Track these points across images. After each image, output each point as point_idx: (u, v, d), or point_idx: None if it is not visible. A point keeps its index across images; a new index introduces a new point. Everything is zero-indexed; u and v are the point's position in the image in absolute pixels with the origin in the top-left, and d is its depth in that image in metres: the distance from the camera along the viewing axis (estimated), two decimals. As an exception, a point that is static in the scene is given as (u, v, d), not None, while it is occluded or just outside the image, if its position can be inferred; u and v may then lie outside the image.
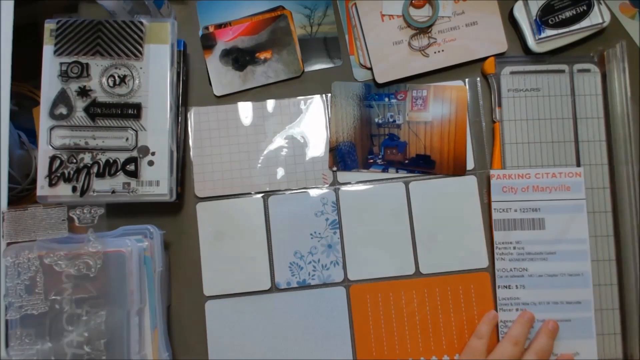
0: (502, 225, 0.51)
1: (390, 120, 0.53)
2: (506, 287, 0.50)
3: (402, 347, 0.51)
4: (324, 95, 0.54)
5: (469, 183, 0.53)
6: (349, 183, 0.53)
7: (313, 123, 0.54)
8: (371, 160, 0.53)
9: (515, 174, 0.51)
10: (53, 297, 0.45)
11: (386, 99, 0.54)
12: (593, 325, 0.49)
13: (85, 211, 0.47)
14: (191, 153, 0.54)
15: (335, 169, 0.53)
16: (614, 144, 0.51)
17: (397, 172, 0.53)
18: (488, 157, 0.53)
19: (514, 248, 0.51)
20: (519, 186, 0.51)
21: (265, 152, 0.54)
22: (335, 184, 0.53)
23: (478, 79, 0.54)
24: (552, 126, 0.52)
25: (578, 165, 0.51)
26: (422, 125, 0.53)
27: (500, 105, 0.52)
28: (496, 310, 0.50)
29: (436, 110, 0.53)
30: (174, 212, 0.53)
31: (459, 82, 0.54)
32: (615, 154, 0.51)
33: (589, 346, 0.49)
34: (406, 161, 0.53)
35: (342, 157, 0.53)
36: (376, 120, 0.53)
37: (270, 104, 0.54)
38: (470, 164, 0.53)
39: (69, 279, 0.45)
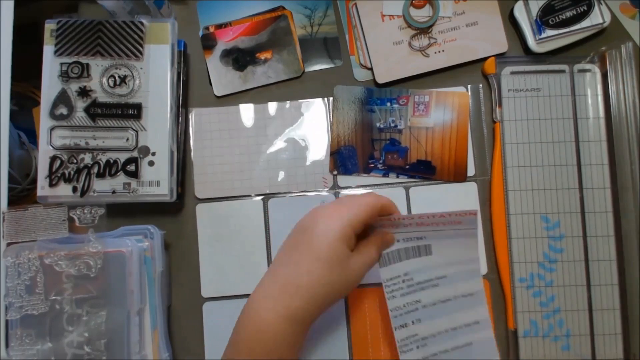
0: (387, 261, 0.45)
1: (392, 125, 0.53)
2: (403, 327, 0.44)
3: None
4: (325, 98, 0.54)
5: (469, 189, 0.53)
6: (350, 187, 0.53)
7: (314, 126, 0.54)
8: (372, 165, 0.53)
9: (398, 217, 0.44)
10: (53, 297, 0.45)
11: (388, 104, 0.53)
12: (494, 345, 0.46)
13: (85, 211, 0.47)
14: (192, 154, 0.54)
15: (335, 172, 0.53)
16: (617, 143, 0.51)
17: (397, 177, 0.53)
18: (489, 163, 0.53)
19: (403, 281, 0.45)
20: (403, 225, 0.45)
21: (265, 154, 0.53)
22: (335, 187, 0.53)
23: (480, 85, 0.54)
24: (552, 126, 0.52)
25: (578, 165, 0.51)
26: (424, 131, 0.53)
27: (500, 105, 0.52)
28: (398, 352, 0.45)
29: (438, 116, 0.53)
30: (174, 213, 0.53)
31: (461, 88, 0.54)
32: (617, 153, 0.51)
33: None
34: (407, 166, 0.53)
35: (342, 161, 0.53)
36: (378, 124, 0.53)
37: (272, 106, 0.54)
38: (470, 171, 0.53)
39: (69, 279, 0.45)
